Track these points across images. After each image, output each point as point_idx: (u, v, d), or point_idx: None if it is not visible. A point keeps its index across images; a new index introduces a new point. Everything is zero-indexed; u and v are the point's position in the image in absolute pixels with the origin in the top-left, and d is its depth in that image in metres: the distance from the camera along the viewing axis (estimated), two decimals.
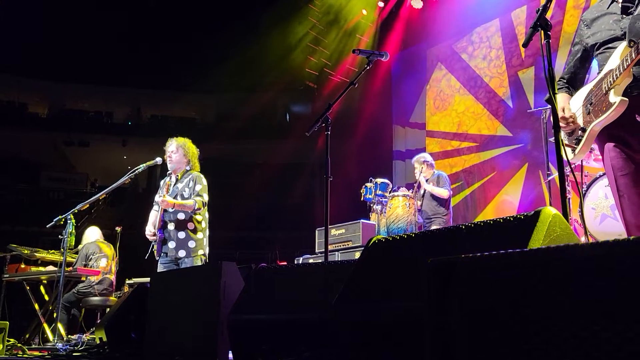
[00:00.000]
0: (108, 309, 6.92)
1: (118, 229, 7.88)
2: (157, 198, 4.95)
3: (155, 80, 18.69)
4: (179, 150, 5.07)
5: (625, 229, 2.65)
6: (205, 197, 4.96)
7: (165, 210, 4.86)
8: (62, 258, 5.31)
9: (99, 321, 6.75)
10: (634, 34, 2.48)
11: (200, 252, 4.88)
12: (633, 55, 2.42)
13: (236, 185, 16.78)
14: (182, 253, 4.81)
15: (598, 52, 2.76)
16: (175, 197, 4.89)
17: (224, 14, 16.03)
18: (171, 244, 4.82)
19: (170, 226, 4.84)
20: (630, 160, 2.56)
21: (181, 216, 4.85)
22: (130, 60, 17.44)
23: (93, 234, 7.54)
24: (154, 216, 4.99)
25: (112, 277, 7.23)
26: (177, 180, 5.06)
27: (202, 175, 5.08)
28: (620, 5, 2.68)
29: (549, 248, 1.12)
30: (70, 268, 6.55)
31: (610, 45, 2.68)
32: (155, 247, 4.85)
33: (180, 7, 16.37)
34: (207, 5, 16.17)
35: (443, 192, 6.87)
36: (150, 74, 17.89)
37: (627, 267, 0.99)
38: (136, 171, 5.31)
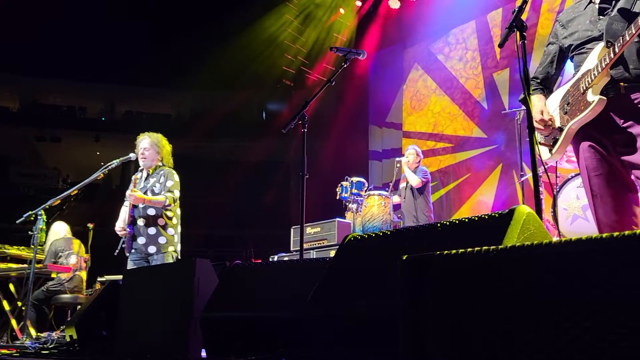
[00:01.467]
0: (79, 307, 6.82)
1: (90, 225, 7.76)
2: (127, 193, 4.88)
3: (130, 76, 18.45)
4: (152, 147, 5.00)
5: (597, 228, 2.69)
6: (177, 194, 4.90)
7: (135, 206, 4.79)
8: (32, 255, 5.20)
9: (69, 319, 6.64)
10: (611, 35, 2.52)
11: (171, 248, 4.82)
12: (611, 56, 2.45)
13: (211, 182, 16.66)
14: (152, 249, 4.74)
15: (574, 52, 2.79)
16: (145, 193, 4.82)
17: (201, 10, 15.90)
18: (141, 240, 4.75)
19: (140, 222, 4.77)
20: (604, 161, 2.60)
21: (151, 212, 4.78)
22: (105, 56, 17.19)
23: (60, 230, 7.40)
24: (124, 212, 4.91)
25: (83, 274, 7.12)
26: (148, 175, 5.00)
27: (174, 171, 5.02)
28: (597, 6, 2.71)
29: (522, 246, 1.13)
30: (41, 265, 6.43)
31: (587, 46, 2.71)
32: (125, 243, 4.79)
33: (157, 3, 16.20)
34: (185, 1, 16.02)
35: (415, 179, 6.91)
36: (126, 69, 17.65)
37: (599, 264, 1.00)
38: (109, 167, 5.23)
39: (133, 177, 4.98)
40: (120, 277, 6.04)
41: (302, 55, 12.12)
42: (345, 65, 3.91)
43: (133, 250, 4.78)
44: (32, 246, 5.24)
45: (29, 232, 5.26)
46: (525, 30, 2.51)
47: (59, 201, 5.45)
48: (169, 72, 17.70)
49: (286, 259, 7.13)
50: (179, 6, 16.29)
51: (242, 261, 8.01)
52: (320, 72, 11.94)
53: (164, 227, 4.82)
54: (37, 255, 5.33)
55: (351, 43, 11.38)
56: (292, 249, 7.37)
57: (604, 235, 1.01)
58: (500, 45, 2.48)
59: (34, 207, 5.30)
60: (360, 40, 11.37)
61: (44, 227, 5.29)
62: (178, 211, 4.99)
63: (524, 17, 2.54)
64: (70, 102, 21.63)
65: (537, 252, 1.09)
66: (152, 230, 4.76)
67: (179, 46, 16.34)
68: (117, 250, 4.85)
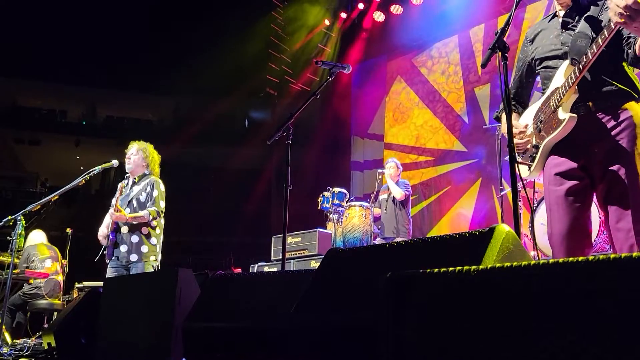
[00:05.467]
0: (55, 313, 6.75)
1: (68, 230, 7.69)
2: (113, 201, 4.88)
3: (112, 80, 18.33)
4: (138, 153, 5.01)
5: (549, 240, 2.73)
6: (162, 205, 4.91)
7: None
8: (9, 259, 5.15)
9: (46, 325, 6.56)
10: (576, 52, 2.57)
11: (152, 258, 4.82)
12: (576, 74, 2.51)
13: (192, 189, 16.57)
14: (133, 257, 4.73)
15: (540, 68, 2.83)
16: (130, 201, 4.83)
17: (186, 16, 15.88)
18: (123, 248, 4.74)
19: (124, 229, 4.77)
20: (568, 176, 2.64)
21: (135, 222, 4.79)
22: (87, 59, 17.06)
23: (37, 237, 7.36)
24: (108, 218, 4.90)
25: (59, 279, 7.05)
26: (134, 183, 4.99)
27: (160, 181, 5.02)
28: (560, 19, 2.77)
29: (504, 266, 1.17)
30: (18, 270, 6.37)
31: (550, 63, 2.75)
32: (106, 249, 4.78)
33: (141, 7, 16.13)
34: (169, 6, 15.99)
35: (397, 191, 6.96)
36: (108, 73, 17.54)
37: (576, 287, 1.04)
38: (91, 173, 5.21)
39: (119, 185, 4.98)
40: (98, 283, 5.99)
41: (286, 65, 12.17)
42: (330, 79, 3.96)
43: (114, 258, 4.77)
44: (11, 251, 5.19)
45: (8, 237, 5.21)
46: (507, 52, 2.57)
47: (38, 206, 5.41)
48: (151, 77, 17.60)
49: (267, 268, 7.13)
50: (163, 12, 16.26)
51: (223, 269, 7.99)
52: (304, 83, 12.00)
53: (147, 236, 4.82)
54: (15, 260, 5.28)
55: (335, 54, 11.46)
56: (272, 258, 7.38)
57: (580, 258, 1.05)
58: (483, 66, 2.53)
59: (11, 210, 5.25)
60: (345, 51, 11.46)
61: (23, 232, 5.24)
62: (162, 221, 5.00)
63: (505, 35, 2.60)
64: (51, 105, 21.41)
65: (519, 273, 1.13)
66: (135, 238, 4.76)
67: (162, 52, 16.29)
68: (97, 257, 4.84)
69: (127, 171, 5.04)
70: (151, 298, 2.93)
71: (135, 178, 5.01)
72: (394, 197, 7.03)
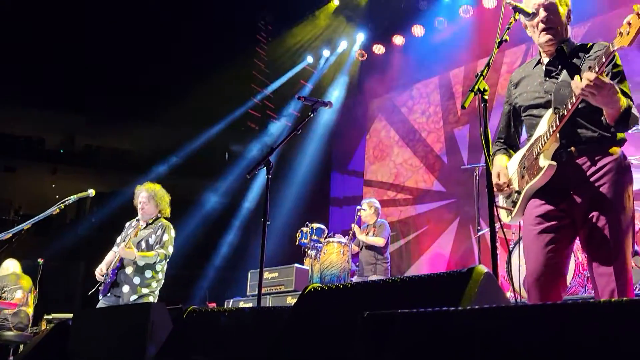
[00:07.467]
0: (22, 345, 6.55)
1: (40, 260, 7.54)
2: (118, 240, 4.88)
3: (91, 109, 18.22)
4: (150, 202, 5.05)
5: (526, 281, 2.75)
6: (170, 250, 4.95)
7: None
8: None
9: (11, 358, 6.36)
10: (559, 101, 2.62)
11: (151, 298, 4.82)
12: (557, 122, 2.56)
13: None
14: (133, 297, 4.72)
15: (524, 115, 2.88)
16: (139, 242, 4.82)
17: (167, 48, 15.93)
18: (125, 288, 4.73)
19: (128, 269, 4.76)
20: (547, 217, 2.67)
21: (141, 262, 4.76)
22: (67, 87, 16.97)
23: (10, 266, 7.21)
24: (111, 256, 4.89)
25: (29, 311, 6.87)
26: (146, 224, 5.01)
27: (171, 226, 5.07)
28: (544, 67, 2.83)
29: (481, 309, 1.16)
30: None
31: (535, 111, 2.80)
32: (102, 285, 4.74)
33: (122, 37, 16.16)
34: (150, 37, 16.04)
35: (378, 240, 6.93)
36: (88, 102, 17.44)
37: (553, 330, 1.04)
38: (66, 202, 5.14)
39: (136, 225, 4.98)
40: (68, 315, 5.85)
41: (268, 100, 12.25)
42: (312, 115, 3.99)
43: (109, 295, 4.73)
44: None
45: None
46: (487, 94, 2.62)
47: (10, 235, 5.29)
48: (132, 107, 17.55)
49: (242, 303, 7.03)
50: (145, 42, 16.30)
51: (197, 303, 7.86)
52: (286, 118, 12.08)
53: (150, 279, 4.80)
54: None
55: (318, 91, 11.57)
56: (248, 293, 7.29)
57: (558, 302, 1.05)
58: (463, 107, 2.57)
59: None
60: (327, 88, 11.58)
61: None
62: (165, 267, 4.99)
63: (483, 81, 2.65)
64: (28, 132, 21.15)
65: (497, 315, 1.12)
66: (137, 280, 4.76)
67: (144, 82, 16.28)
68: (92, 291, 4.81)
69: (140, 219, 5.07)
70: (122, 332, 2.86)
71: (148, 220, 5.03)
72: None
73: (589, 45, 2.74)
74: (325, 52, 11.45)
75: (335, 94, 11.33)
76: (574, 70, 2.65)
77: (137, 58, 15.94)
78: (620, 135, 2.62)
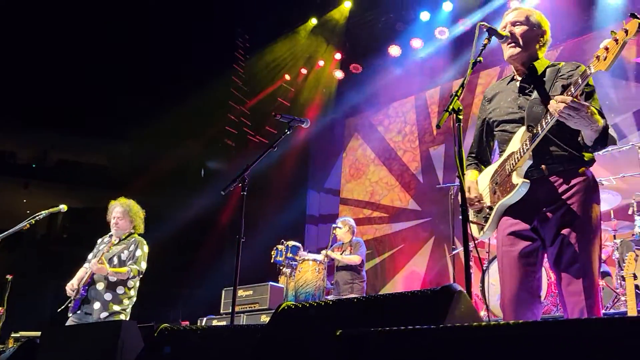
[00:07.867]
0: None
1: (8, 277, 7.35)
2: (90, 257, 4.79)
3: (66, 123, 17.97)
4: (125, 217, 4.97)
5: (500, 300, 2.77)
6: (143, 266, 4.87)
7: None
8: None
9: None
10: (532, 119, 2.66)
11: (122, 317, 4.71)
12: (532, 140, 2.59)
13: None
14: (104, 315, 4.62)
15: (497, 129, 2.92)
16: (111, 258, 4.74)
17: (146, 65, 15.85)
18: (96, 305, 4.63)
19: (100, 285, 4.66)
20: (521, 236, 2.70)
21: (113, 278, 4.67)
22: (41, 100, 16.73)
23: None
24: (82, 272, 4.80)
25: None
26: (119, 240, 4.93)
27: (144, 241, 5.01)
28: (518, 84, 2.87)
29: (455, 326, 1.16)
30: None
31: (508, 127, 2.84)
32: (72, 302, 4.64)
33: (99, 51, 16.03)
34: (126, 52, 15.95)
35: (354, 259, 6.91)
36: (62, 116, 17.20)
37: (527, 349, 1.04)
38: (37, 217, 5.06)
39: (109, 241, 4.88)
40: (36, 333, 5.71)
41: (245, 117, 12.23)
42: (288, 133, 3.99)
43: (80, 312, 4.62)
44: None
45: None
46: (461, 114, 2.65)
47: None
48: (107, 122, 17.36)
49: (216, 322, 6.94)
50: (122, 58, 16.20)
51: (169, 321, 7.74)
52: (262, 135, 12.05)
53: (122, 295, 4.72)
54: None
55: (294, 109, 11.59)
56: (222, 311, 7.20)
57: (531, 321, 1.05)
58: (438, 127, 2.60)
59: None
60: (304, 106, 11.60)
61: None
62: (137, 283, 4.91)
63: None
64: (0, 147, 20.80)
65: (471, 333, 1.12)
66: (108, 296, 4.66)
67: (119, 98, 16.14)
68: (61, 308, 4.71)
69: (113, 234, 4.98)
70: (92, 351, 2.80)
71: (121, 236, 4.96)
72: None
73: (560, 65, 2.79)
74: (303, 70, 11.49)
75: (312, 112, 11.36)
76: (546, 89, 2.70)
77: (113, 73, 15.81)
78: (588, 156, 2.67)
